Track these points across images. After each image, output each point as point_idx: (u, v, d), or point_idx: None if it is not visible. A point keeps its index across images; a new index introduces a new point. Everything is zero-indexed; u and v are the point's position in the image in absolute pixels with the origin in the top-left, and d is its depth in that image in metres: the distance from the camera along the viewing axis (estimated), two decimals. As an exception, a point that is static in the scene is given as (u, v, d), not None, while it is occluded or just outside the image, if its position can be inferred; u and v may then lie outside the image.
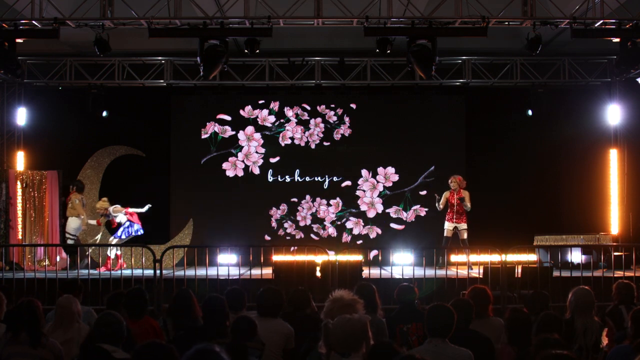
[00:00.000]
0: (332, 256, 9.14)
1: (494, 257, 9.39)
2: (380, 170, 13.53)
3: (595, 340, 5.14)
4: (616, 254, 10.69)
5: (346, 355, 3.53)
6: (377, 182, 13.52)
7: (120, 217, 11.54)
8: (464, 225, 11.27)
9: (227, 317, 4.80)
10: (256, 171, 13.48)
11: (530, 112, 13.04)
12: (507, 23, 9.87)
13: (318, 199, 13.45)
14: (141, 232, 11.56)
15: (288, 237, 13.36)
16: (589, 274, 9.30)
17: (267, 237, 13.30)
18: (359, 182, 13.51)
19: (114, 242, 11.45)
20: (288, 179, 13.47)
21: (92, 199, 12.96)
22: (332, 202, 13.46)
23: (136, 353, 3.25)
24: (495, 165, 13.36)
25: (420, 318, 5.01)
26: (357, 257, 10.30)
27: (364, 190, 13.43)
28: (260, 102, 13.58)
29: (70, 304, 5.24)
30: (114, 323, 4.16)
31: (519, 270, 9.13)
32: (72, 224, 11.55)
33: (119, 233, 11.50)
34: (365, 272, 9.46)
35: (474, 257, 10.35)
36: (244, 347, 4.04)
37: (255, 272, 9.58)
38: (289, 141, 13.55)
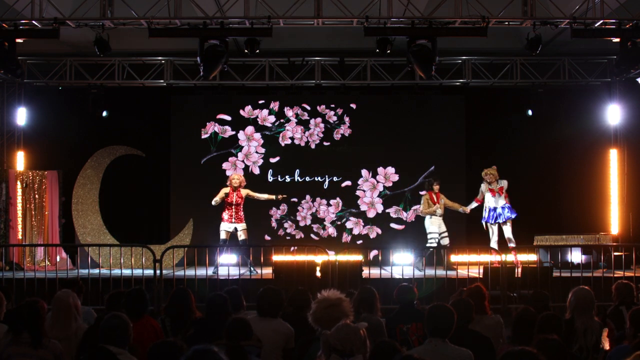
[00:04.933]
0: (332, 256, 9.14)
1: (494, 257, 9.40)
2: (380, 170, 13.53)
3: (596, 341, 5.13)
4: (616, 254, 10.68)
5: (347, 356, 3.52)
6: (377, 182, 13.52)
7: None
8: (243, 225, 10.88)
9: (229, 316, 4.80)
10: (256, 171, 13.48)
11: (530, 112, 13.04)
12: (507, 23, 9.87)
13: (318, 199, 13.45)
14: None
15: (288, 237, 13.35)
16: (589, 274, 9.30)
17: (267, 237, 13.30)
18: (359, 182, 13.51)
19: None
20: (288, 179, 13.46)
21: (92, 199, 12.98)
22: (332, 202, 13.46)
23: (149, 353, 3.28)
24: (495, 165, 13.34)
25: (420, 318, 5.01)
26: (357, 257, 10.29)
27: (364, 190, 13.43)
28: (260, 102, 13.58)
29: (68, 297, 5.18)
30: (120, 325, 4.15)
31: (519, 270, 9.14)
32: (427, 222, 11.43)
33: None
34: (365, 272, 9.46)
35: (474, 257, 10.35)
36: (242, 347, 4.04)
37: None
38: (289, 141, 13.55)
